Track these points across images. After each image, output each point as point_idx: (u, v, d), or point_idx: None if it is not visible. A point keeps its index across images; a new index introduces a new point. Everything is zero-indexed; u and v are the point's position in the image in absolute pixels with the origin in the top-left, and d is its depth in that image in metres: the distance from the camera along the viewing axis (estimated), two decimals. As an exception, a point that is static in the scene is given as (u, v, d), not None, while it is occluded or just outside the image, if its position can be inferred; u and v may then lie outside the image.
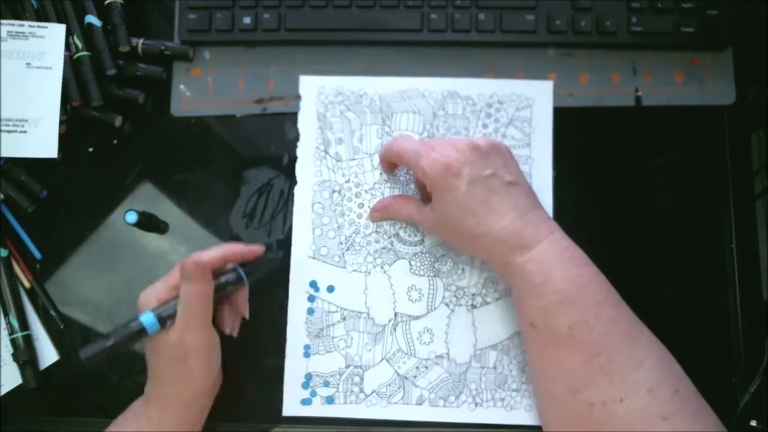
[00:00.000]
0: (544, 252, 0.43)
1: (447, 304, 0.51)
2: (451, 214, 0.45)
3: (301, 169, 0.54)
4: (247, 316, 0.49)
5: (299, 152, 0.54)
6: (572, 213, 0.52)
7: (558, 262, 0.42)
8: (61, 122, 0.53)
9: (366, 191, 0.53)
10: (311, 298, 0.52)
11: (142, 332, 0.43)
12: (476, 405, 0.50)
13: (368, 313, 0.51)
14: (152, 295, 0.45)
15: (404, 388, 0.50)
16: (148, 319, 0.43)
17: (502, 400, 0.50)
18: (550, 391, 0.43)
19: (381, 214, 0.52)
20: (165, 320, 0.44)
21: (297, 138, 0.54)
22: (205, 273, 0.44)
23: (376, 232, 0.52)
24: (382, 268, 0.52)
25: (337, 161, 0.53)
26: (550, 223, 0.45)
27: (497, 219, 0.44)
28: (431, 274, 0.52)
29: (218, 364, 0.48)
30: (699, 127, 0.54)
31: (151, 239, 0.54)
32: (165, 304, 0.45)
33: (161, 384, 0.46)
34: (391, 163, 0.51)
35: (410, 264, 0.52)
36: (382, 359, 0.51)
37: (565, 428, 0.42)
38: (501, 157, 0.46)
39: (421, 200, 0.50)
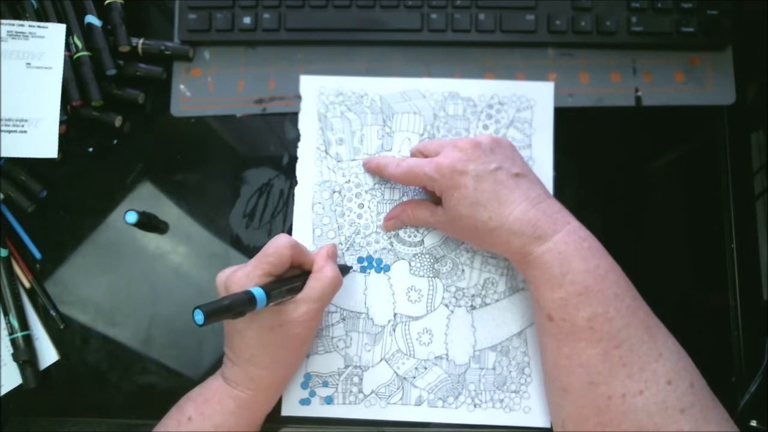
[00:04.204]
0: (563, 243, 0.43)
1: (446, 305, 0.51)
2: (463, 212, 0.45)
3: (301, 170, 0.54)
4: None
5: (300, 152, 0.54)
6: (572, 213, 0.52)
7: (577, 253, 0.42)
8: (61, 122, 0.53)
9: (366, 192, 0.53)
10: (311, 299, 0.52)
11: (251, 303, 0.40)
12: (475, 406, 0.50)
13: (368, 314, 0.51)
14: (243, 276, 0.43)
15: (403, 388, 0.50)
16: (258, 293, 0.40)
17: (501, 401, 0.50)
18: (567, 384, 0.42)
19: (395, 222, 0.52)
20: (271, 299, 0.41)
21: (297, 138, 0.54)
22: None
23: (376, 232, 0.52)
24: (381, 268, 0.52)
25: (338, 161, 0.53)
26: (564, 213, 0.45)
27: (510, 210, 0.44)
28: (431, 275, 0.52)
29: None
30: (699, 127, 0.54)
31: (151, 239, 0.54)
32: (269, 284, 0.43)
33: (257, 366, 0.45)
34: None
35: (410, 265, 0.52)
36: (381, 360, 0.51)
37: (581, 422, 0.42)
38: (505, 151, 0.46)
39: (432, 202, 0.50)
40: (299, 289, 0.45)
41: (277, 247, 0.44)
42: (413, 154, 0.50)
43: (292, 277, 0.46)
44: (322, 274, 0.45)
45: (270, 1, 0.54)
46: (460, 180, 0.44)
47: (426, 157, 0.48)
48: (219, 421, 0.45)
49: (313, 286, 0.45)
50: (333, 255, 0.49)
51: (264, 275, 0.43)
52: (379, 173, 0.52)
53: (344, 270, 0.50)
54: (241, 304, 0.39)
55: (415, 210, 0.50)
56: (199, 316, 0.37)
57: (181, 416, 0.45)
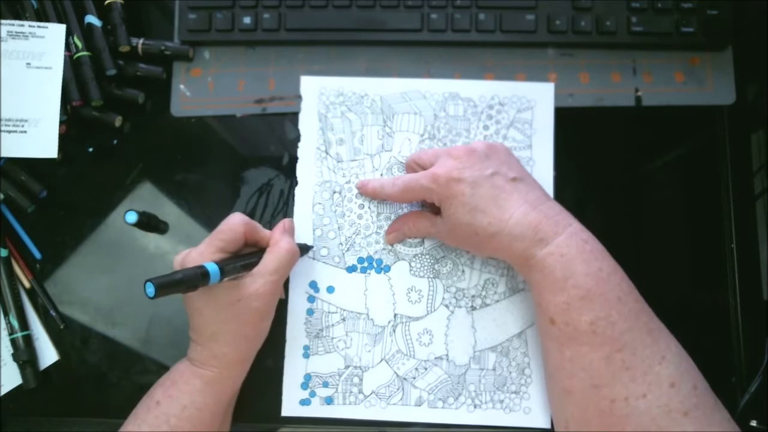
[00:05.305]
0: (565, 245, 0.42)
1: (447, 306, 0.51)
2: (462, 219, 0.45)
3: (301, 170, 0.54)
4: (284, 296, 0.52)
5: (300, 153, 0.54)
6: (572, 213, 0.52)
7: (579, 256, 0.42)
8: (61, 122, 0.53)
9: (366, 191, 0.53)
10: (311, 299, 0.52)
11: (204, 277, 0.40)
12: (475, 407, 0.50)
13: (368, 314, 0.51)
14: (197, 254, 0.44)
15: (403, 389, 0.50)
16: (212, 267, 0.41)
17: (501, 402, 0.50)
18: (570, 387, 0.42)
19: (397, 234, 0.52)
20: (225, 274, 0.42)
21: (297, 138, 0.54)
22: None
23: (376, 233, 0.52)
24: (382, 269, 0.52)
25: (338, 162, 0.53)
26: (565, 214, 0.45)
27: (509, 214, 0.44)
28: (431, 276, 0.52)
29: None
30: (699, 127, 0.54)
31: (151, 239, 0.54)
32: (223, 260, 0.43)
33: (219, 343, 0.45)
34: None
35: (410, 265, 0.52)
36: (381, 360, 0.51)
37: (584, 425, 0.42)
38: (500, 156, 0.46)
39: (432, 212, 0.50)
40: (255, 264, 0.45)
41: (229, 224, 0.45)
42: (408, 166, 0.51)
43: (248, 254, 0.47)
44: (278, 246, 0.46)
45: (270, 1, 0.54)
46: (457, 188, 0.44)
47: (422, 168, 0.48)
48: (187, 401, 0.45)
49: (269, 258, 0.45)
50: (290, 229, 0.49)
51: (217, 251, 0.44)
52: (376, 196, 0.52)
53: (304, 249, 0.51)
54: (193, 278, 0.40)
55: (415, 221, 0.50)
56: (150, 289, 0.37)
57: (150, 401, 0.45)
